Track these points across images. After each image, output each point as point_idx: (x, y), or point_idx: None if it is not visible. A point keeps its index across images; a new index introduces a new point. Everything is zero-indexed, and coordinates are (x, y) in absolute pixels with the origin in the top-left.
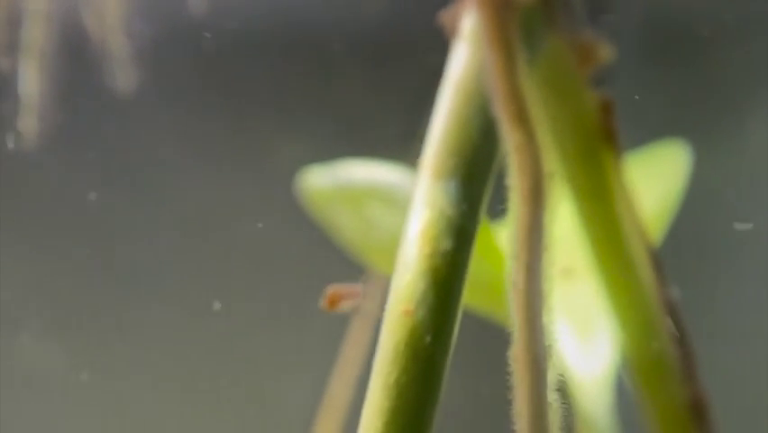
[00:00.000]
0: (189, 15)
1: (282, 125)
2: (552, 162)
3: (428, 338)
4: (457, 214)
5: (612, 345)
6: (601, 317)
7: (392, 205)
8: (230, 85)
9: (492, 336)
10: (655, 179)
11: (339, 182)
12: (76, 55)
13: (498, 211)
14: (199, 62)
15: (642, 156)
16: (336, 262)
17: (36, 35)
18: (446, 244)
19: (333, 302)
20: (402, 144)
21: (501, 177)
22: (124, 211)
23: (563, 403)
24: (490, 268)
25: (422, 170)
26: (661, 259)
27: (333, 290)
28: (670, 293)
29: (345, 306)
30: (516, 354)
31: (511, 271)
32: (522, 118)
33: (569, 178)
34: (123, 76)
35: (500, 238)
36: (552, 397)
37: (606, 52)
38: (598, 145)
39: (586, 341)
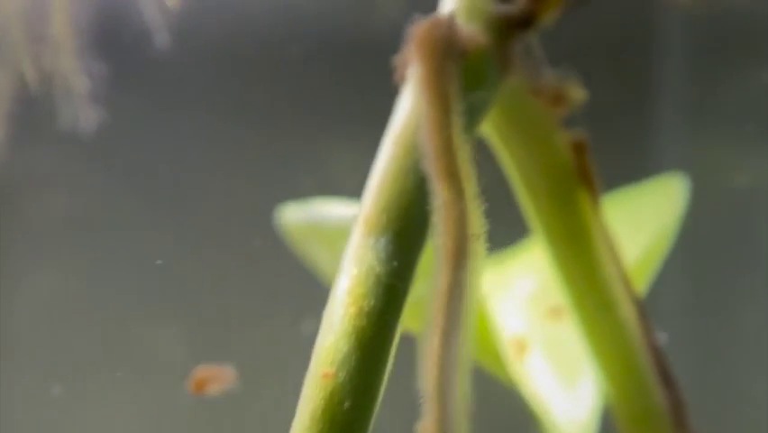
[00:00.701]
0: (150, 52)
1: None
2: (525, 205)
3: (347, 404)
4: (387, 272)
5: (598, 392)
6: (587, 362)
7: None
8: (191, 127)
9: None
10: (652, 213)
11: (313, 220)
12: (32, 96)
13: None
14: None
15: (640, 190)
16: None
17: None
18: (373, 304)
19: (199, 386)
20: None
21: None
22: None
23: None
24: None
25: (356, 224)
26: (645, 303)
27: (200, 373)
28: (655, 339)
29: (213, 389)
30: (426, 429)
31: (425, 336)
32: (451, 175)
33: (543, 220)
34: (83, 116)
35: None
36: None
37: (578, 94)
38: (573, 187)
39: (571, 386)
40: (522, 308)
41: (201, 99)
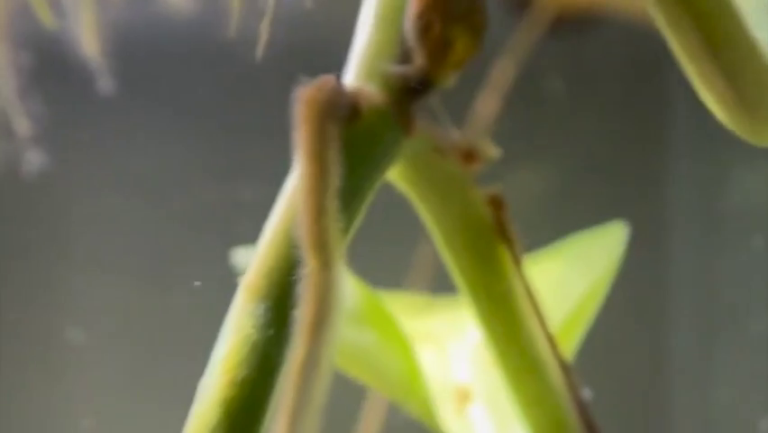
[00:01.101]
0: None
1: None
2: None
3: None
4: (263, 340)
5: None
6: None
7: None
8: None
9: None
10: (588, 264)
11: None
12: None
13: None
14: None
15: (578, 240)
16: None
17: None
18: (246, 374)
19: None
20: None
21: None
22: None
23: None
24: (396, 357)
25: (240, 289)
26: (569, 360)
27: None
28: (581, 396)
29: None
30: None
31: (276, 410)
32: (319, 243)
33: (464, 277)
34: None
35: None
36: None
37: (490, 151)
38: (493, 243)
39: None
40: (470, 356)
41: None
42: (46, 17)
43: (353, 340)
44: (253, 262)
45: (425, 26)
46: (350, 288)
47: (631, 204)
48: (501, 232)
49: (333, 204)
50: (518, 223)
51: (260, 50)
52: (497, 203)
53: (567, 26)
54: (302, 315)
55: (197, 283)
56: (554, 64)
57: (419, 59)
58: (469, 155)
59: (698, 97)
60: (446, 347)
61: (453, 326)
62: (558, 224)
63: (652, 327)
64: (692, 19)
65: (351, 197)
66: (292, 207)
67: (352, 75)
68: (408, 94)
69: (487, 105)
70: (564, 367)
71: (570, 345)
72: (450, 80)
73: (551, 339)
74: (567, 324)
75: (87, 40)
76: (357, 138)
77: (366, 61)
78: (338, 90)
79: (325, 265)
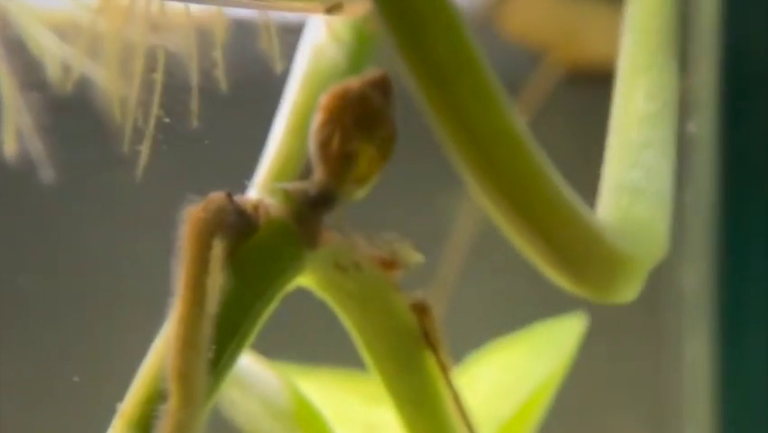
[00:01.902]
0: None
1: None
2: (369, 367)
3: None
4: None
5: None
6: None
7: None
8: None
9: None
10: (541, 358)
11: None
12: None
13: None
14: None
15: (533, 333)
16: None
17: None
18: None
19: None
20: None
21: None
22: None
23: None
24: None
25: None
26: None
27: None
28: None
29: None
30: None
31: None
32: (182, 378)
33: (387, 383)
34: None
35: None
36: None
37: (411, 256)
38: (418, 350)
39: None
40: None
41: None
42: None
43: None
44: (130, 389)
45: (325, 140)
46: (279, 388)
47: None
48: (427, 339)
49: (203, 335)
50: None
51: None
52: (421, 309)
53: (582, 78)
54: None
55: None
56: (568, 116)
57: (318, 174)
58: (389, 263)
59: None
60: None
61: None
62: None
63: None
64: (496, 184)
65: (242, 315)
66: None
67: (256, 187)
68: (312, 207)
69: None
70: None
71: None
72: (358, 194)
73: None
74: (518, 416)
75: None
76: (252, 254)
77: (270, 174)
78: (227, 207)
79: (186, 402)
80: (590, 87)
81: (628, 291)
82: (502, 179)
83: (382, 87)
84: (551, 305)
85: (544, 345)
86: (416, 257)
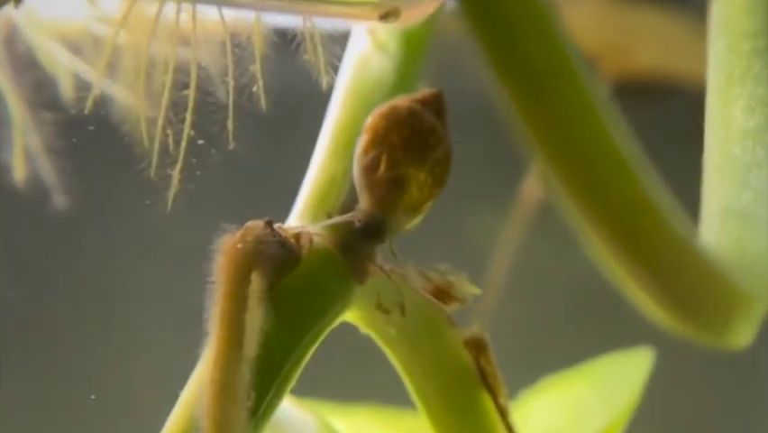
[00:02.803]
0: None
1: None
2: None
3: None
4: None
5: None
6: None
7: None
8: None
9: None
10: (603, 396)
11: None
12: None
13: None
14: None
15: (593, 368)
16: None
17: None
18: None
19: None
20: None
21: None
22: None
23: None
24: None
25: None
26: None
27: None
28: None
29: None
30: None
31: None
32: (218, 428)
33: (438, 429)
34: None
35: None
36: None
37: (467, 288)
38: (472, 390)
39: None
40: None
41: None
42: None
43: None
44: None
45: (370, 164)
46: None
47: None
48: (483, 378)
49: (241, 380)
50: None
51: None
52: (477, 345)
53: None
54: None
55: None
56: None
57: (364, 202)
58: (443, 296)
59: None
60: None
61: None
62: None
63: None
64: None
65: (284, 357)
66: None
67: (297, 215)
68: (358, 238)
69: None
70: None
71: None
72: (410, 223)
73: None
74: None
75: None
76: (295, 288)
77: (312, 200)
78: (266, 237)
79: None
80: (638, 98)
81: (745, 334)
82: (605, 203)
83: (435, 105)
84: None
85: (607, 381)
86: (472, 289)
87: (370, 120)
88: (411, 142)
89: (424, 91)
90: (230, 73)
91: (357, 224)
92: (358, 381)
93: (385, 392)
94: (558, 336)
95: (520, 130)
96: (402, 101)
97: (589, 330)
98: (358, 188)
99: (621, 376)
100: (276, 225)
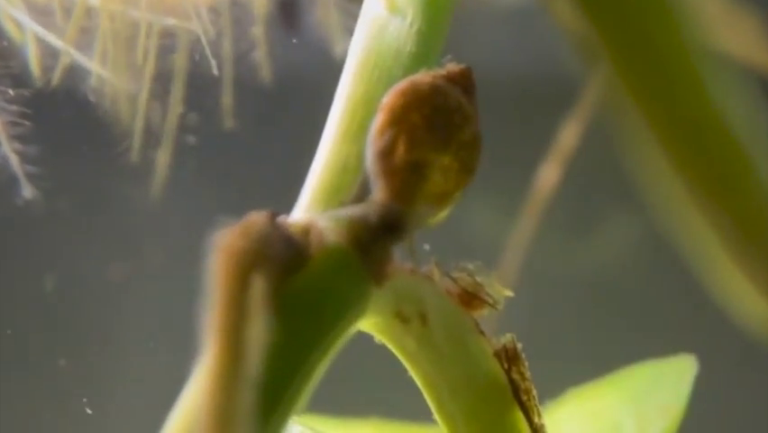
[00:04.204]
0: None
1: None
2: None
3: None
4: None
5: None
6: None
7: None
8: None
9: None
10: (646, 406)
11: None
12: None
13: None
14: None
15: (634, 375)
16: None
17: None
18: None
19: None
20: None
21: None
22: None
23: None
24: None
25: None
26: None
27: None
28: None
29: None
30: None
31: None
32: None
33: None
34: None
35: None
36: None
37: (499, 290)
38: (504, 407)
39: None
40: None
41: None
42: None
43: None
44: None
45: (386, 147)
46: None
47: None
48: (516, 393)
49: (243, 401)
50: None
51: None
52: (509, 356)
53: None
54: None
55: None
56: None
57: (378, 192)
58: (471, 299)
59: None
60: None
61: None
62: None
63: None
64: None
65: (292, 373)
66: (194, 402)
67: (304, 207)
68: (376, 232)
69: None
70: None
71: None
72: (434, 216)
73: None
74: None
75: None
76: (304, 293)
77: (322, 189)
78: (270, 233)
79: None
80: None
81: None
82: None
83: (462, 82)
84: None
85: (642, 394)
86: (504, 291)
87: (386, 98)
88: (433, 121)
89: (449, 67)
90: (226, 38)
91: (371, 217)
92: (360, 392)
93: (391, 404)
94: (572, 334)
95: (627, 103)
96: (424, 77)
97: (604, 327)
98: (372, 175)
99: (659, 389)
100: (280, 219)
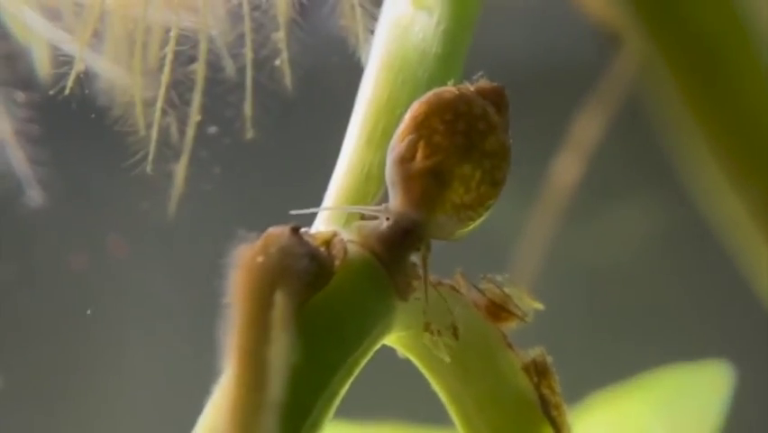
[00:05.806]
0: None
1: None
2: None
3: None
4: None
5: None
6: None
7: None
8: None
9: None
10: (678, 414)
11: None
12: None
13: None
14: None
15: (663, 382)
16: None
17: None
18: None
19: None
20: None
21: None
22: None
23: None
24: None
25: None
26: None
27: None
28: None
29: None
30: None
31: None
32: None
33: None
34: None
35: None
36: None
37: (529, 302)
38: (534, 420)
39: None
40: None
41: None
42: None
43: None
44: None
45: (405, 153)
46: None
47: None
48: (544, 408)
49: (265, 425)
50: None
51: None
52: (539, 371)
53: None
54: None
55: None
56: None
57: (395, 200)
58: (499, 311)
59: None
60: None
61: None
62: None
63: None
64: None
65: (315, 393)
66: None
67: (326, 218)
68: (394, 242)
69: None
70: None
71: None
72: (457, 230)
73: None
74: None
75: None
76: (328, 310)
77: (344, 199)
78: (293, 247)
79: None
80: None
81: None
82: None
83: (494, 98)
84: None
85: (672, 402)
86: (534, 303)
87: (410, 109)
88: (455, 126)
89: (481, 83)
90: (247, 43)
91: (384, 226)
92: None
93: (408, 407)
94: (589, 330)
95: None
96: (451, 88)
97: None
98: (388, 182)
99: (691, 396)
100: (302, 232)
